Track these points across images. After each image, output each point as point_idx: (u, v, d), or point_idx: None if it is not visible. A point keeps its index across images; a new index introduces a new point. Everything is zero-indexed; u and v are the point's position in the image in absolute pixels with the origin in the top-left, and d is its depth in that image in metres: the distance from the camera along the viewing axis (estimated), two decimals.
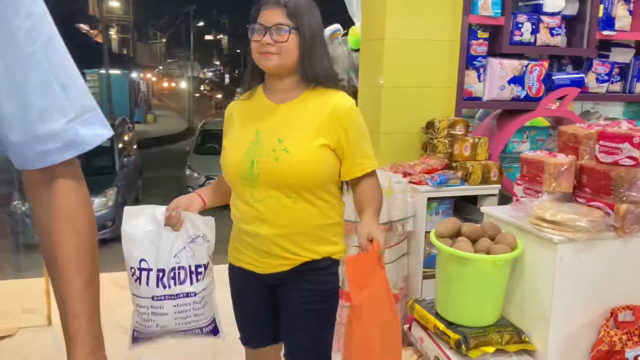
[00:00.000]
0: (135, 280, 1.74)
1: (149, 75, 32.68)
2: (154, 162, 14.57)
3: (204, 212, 1.85)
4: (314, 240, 1.72)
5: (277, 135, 1.65)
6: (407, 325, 2.24)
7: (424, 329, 2.12)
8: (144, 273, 1.73)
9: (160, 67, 44.55)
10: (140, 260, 1.73)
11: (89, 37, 22.18)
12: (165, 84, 44.91)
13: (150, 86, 34.11)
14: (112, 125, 9.97)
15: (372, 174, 1.74)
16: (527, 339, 1.95)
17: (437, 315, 2.05)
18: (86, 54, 19.30)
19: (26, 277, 3.86)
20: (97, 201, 7.80)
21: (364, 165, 1.71)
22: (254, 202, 1.69)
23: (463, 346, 1.89)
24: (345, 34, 3.97)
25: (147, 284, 1.73)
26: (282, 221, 1.67)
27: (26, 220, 7.12)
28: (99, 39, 21.31)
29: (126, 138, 10.27)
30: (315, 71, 1.66)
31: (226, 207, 1.88)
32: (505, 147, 3.30)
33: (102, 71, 20.59)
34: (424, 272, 2.77)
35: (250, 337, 1.94)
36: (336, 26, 4.03)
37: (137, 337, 1.83)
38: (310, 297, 1.75)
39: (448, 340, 1.95)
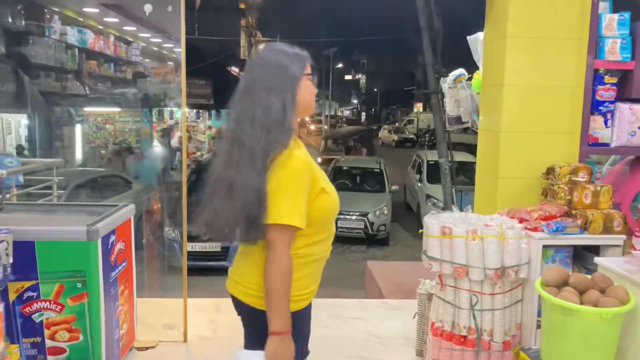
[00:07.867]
0: None
1: None
2: None
3: None
4: None
5: None
6: None
7: None
8: None
9: None
10: None
11: (238, 79, 23.96)
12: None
13: None
14: None
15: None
16: None
17: None
18: None
19: (169, 297, 4.31)
20: None
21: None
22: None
23: None
24: (470, 78, 4.04)
25: None
26: None
27: (174, 245, 7.84)
28: None
29: None
30: None
31: None
32: (637, 195, 3.12)
33: None
34: (538, 320, 2.70)
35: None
36: (460, 70, 4.13)
37: None
38: None
39: None
